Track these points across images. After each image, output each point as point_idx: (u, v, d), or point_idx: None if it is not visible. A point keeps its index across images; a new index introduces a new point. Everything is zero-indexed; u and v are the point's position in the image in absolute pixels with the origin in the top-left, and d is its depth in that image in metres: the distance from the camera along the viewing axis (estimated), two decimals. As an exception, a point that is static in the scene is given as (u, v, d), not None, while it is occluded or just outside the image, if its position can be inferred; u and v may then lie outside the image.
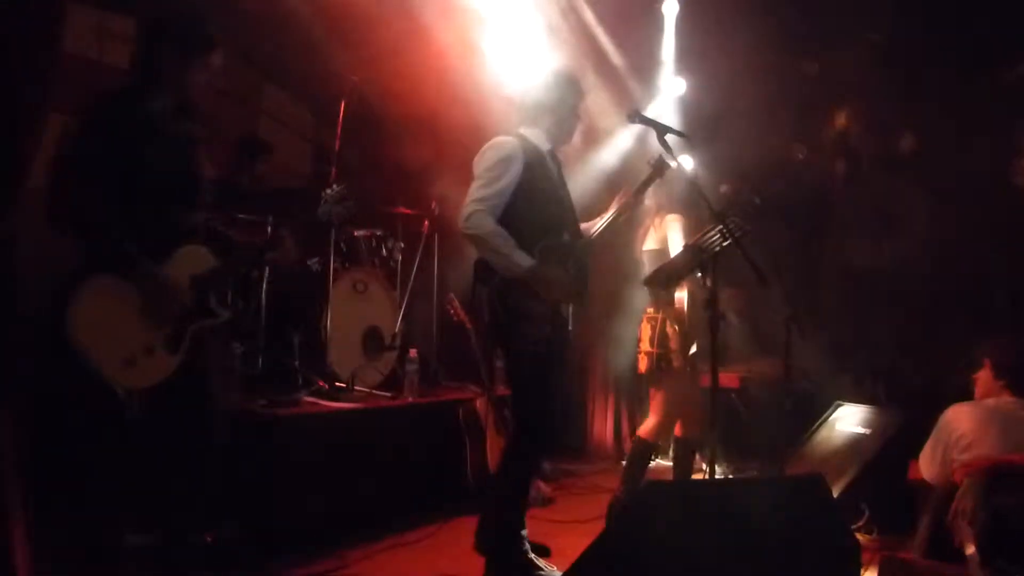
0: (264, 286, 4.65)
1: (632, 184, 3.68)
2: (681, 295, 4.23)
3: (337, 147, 4.72)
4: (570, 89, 3.53)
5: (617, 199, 3.65)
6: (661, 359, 4.20)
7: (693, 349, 4.20)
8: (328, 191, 3.20)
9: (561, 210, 3.47)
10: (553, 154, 3.55)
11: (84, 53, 4.06)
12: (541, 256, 3.29)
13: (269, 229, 4.33)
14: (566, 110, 3.51)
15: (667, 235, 4.28)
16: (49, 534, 2.78)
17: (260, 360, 4.53)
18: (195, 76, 2.84)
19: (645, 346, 4.26)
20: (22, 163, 2.49)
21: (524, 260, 3.24)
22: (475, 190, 3.32)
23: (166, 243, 2.76)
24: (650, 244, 4.39)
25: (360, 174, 5.26)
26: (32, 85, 2.49)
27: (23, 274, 2.70)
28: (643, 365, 4.30)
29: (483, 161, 3.37)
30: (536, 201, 3.36)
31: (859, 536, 4.01)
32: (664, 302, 4.20)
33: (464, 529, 4.17)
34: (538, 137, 3.49)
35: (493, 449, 4.62)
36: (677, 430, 4.39)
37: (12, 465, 2.40)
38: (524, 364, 3.32)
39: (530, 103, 3.53)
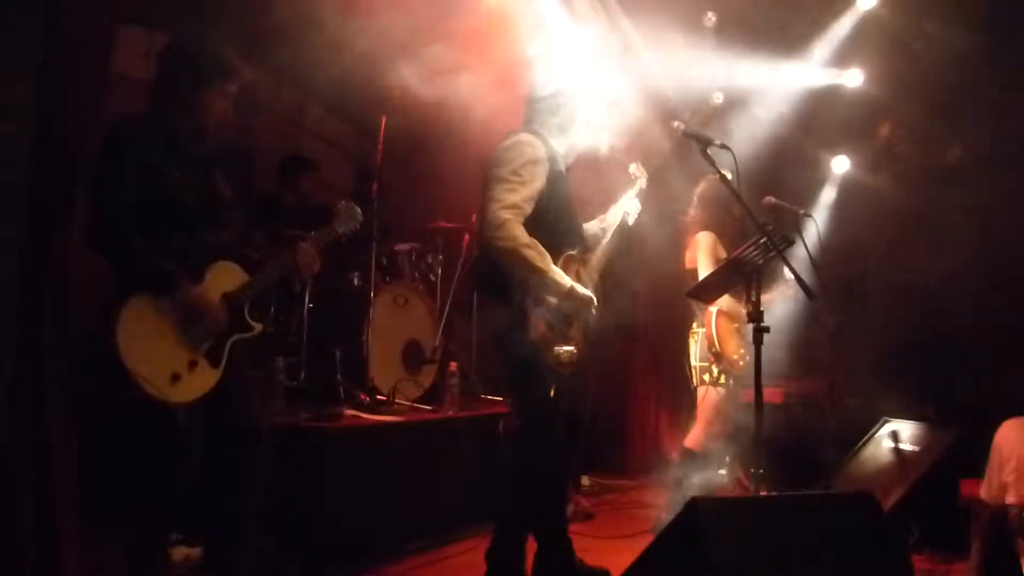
0: (306, 301, 4.70)
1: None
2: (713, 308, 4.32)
3: (378, 162, 4.75)
4: (571, 88, 3.24)
5: (612, 214, 3.49)
6: (705, 371, 4.38)
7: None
8: (339, 206, 3.22)
9: (575, 220, 3.27)
10: (567, 159, 3.29)
11: (130, 71, 4.14)
12: (563, 269, 3.06)
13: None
14: (570, 110, 3.23)
15: (696, 254, 4.31)
16: (96, 542, 2.82)
17: (303, 374, 4.56)
18: (211, 101, 2.85)
19: (693, 360, 4.45)
20: (74, 180, 2.54)
21: (564, 278, 3.00)
22: (503, 194, 2.98)
23: (197, 262, 2.81)
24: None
25: (401, 189, 5.32)
26: (84, 107, 2.55)
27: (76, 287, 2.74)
28: (695, 378, 4.48)
29: (509, 161, 3.04)
30: (556, 209, 3.11)
31: (910, 555, 3.91)
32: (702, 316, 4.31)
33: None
34: (554, 139, 3.22)
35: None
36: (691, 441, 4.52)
37: (66, 473, 2.44)
38: (550, 387, 3.01)
39: (538, 100, 3.24)
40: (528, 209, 3.00)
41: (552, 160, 3.13)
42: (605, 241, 3.40)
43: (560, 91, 3.23)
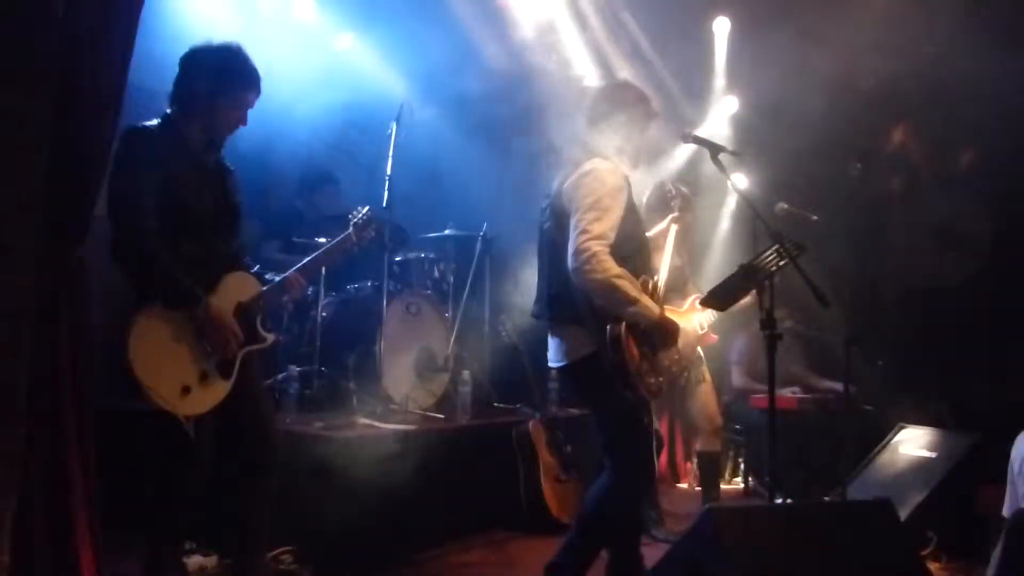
0: (319, 309, 4.71)
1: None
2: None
3: (389, 170, 4.76)
4: (637, 104, 3.21)
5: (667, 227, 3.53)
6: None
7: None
8: (355, 214, 3.24)
9: (648, 247, 3.24)
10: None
11: (147, 83, 4.17)
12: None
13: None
14: (636, 128, 3.19)
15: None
16: (111, 550, 2.83)
17: (315, 382, 4.57)
18: (227, 111, 2.84)
19: None
20: (91, 191, 2.55)
21: (654, 307, 2.95)
22: (590, 224, 2.90)
23: (212, 272, 2.80)
24: None
25: (414, 196, 5.33)
26: (100, 117, 2.56)
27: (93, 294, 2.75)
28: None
29: (591, 191, 2.97)
30: (634, 236, 3.07)
31: (927, 564, 3.88)
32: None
33: (517, 551, 4.15)
34: (624, 163, 3.17)
35: (546, 471, 4.58)
36: (697, 444, 4.65)
37: (82, 480, 2.45)
38: (637, 413, 3.01)
39: (603, 125, 3.17)
40: (613, 237, 2.94)
41: (629, 187, 3.10)
42: (664, 268, 3.38)
43: (631, 116, 3.18)
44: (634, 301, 2.89)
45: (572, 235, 2.94)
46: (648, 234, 3.46)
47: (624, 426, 3.04)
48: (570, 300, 3.02)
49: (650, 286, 3.08)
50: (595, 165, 3.05)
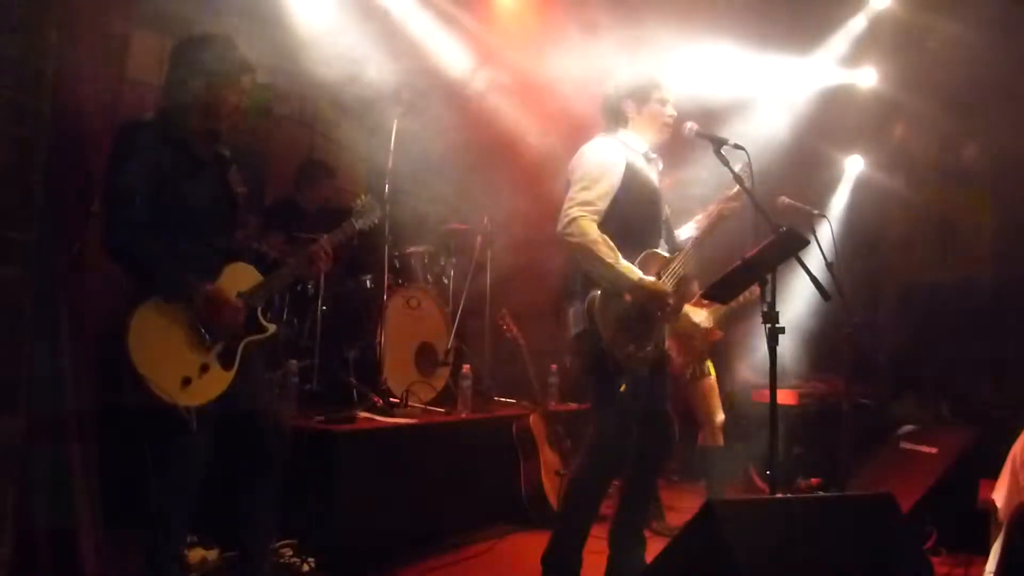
0: (319, 304, 4.70)
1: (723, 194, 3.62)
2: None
3: (389, 164, 4.76)
4: (646, 79, 3.31)
5: (708, 211, 3.51)
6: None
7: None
8: (357, 203, 3.24)
9: (658, 218, 3.30)
10: (650, 156, 3.32)
11: (144, 77, 4.15)
12: (642, 267, 3.09)
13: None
14: (649, 102, 3.28)
15: None
16: (113, 543, 2.83)
17: (316, 377, 4.57)
18: (224, 98, 2.82)
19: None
20: (89, 188, 2.55)
21: (631, 272, 3.02)
22: (576, 193, 3.09)
23: (211, 263, 2.79)
24: None
25: (413, 191, 5.32)
26: (99, 112, 2.56)
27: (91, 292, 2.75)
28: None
29: (583, 163, 3.15)
30: (635, 207, 3.16)
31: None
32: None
33: (519, 545, 4.16)
34: (633, 138, 3.28)
35: (547, 464, 4.58)
36: (699, 439, 4.63)
37: (83, 473, 2.45)
38: (620, 385, 3.05)
39: (613, 102, 3.31)
40: (602, 206, 3.09)
41: (630, 158, 3.18)
42: (690, 244, 3.38)
43: (638, 91, 3.29)
44: (610, 265, 3.00)
45: (563, 205, 3.11)
46: (694, 221, 3.45)
47: (600, 402, 3.15)
48: (572, 278, 3.17)
49: (657, 262, 3.15)
50: (595, 141, 3.22)
